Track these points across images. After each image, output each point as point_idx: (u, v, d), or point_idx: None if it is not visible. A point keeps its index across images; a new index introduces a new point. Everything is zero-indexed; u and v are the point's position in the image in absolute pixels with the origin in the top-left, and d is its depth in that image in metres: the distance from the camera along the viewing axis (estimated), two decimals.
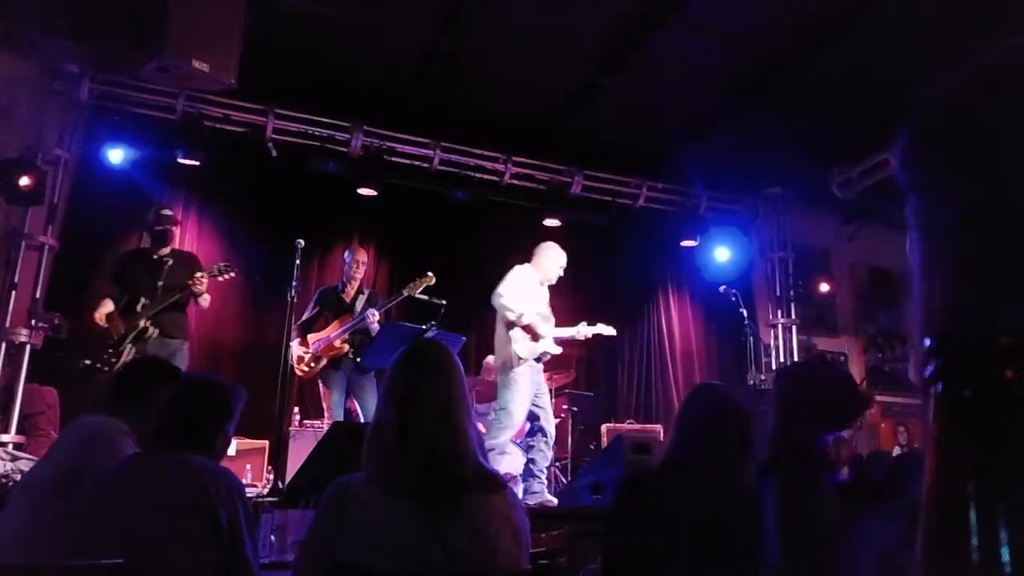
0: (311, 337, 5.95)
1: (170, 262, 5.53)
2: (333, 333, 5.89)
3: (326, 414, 5.89)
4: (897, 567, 0.56)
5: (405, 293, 5.87)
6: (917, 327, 0.61)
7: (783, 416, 0.86)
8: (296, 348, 5.80)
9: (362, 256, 6.26)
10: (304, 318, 5.96)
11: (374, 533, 1.74)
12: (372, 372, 5.96)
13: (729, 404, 2.45)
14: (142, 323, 5.31)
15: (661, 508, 2.25)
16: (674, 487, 2.29)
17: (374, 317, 5.76)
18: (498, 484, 1.89)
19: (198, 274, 5.39)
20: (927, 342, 0.46)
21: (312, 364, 5.86)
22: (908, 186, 0.64)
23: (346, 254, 6.27)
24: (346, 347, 5.86)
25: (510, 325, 5.33)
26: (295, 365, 5.79)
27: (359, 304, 6.04)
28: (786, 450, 0.82)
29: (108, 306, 5.37)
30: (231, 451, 4.83)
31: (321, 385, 5.95)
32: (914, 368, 0.65)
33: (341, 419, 5.73)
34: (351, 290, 6.11)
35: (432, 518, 1.76)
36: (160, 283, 5.41)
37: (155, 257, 5.57)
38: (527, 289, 5.46)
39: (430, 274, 5.83)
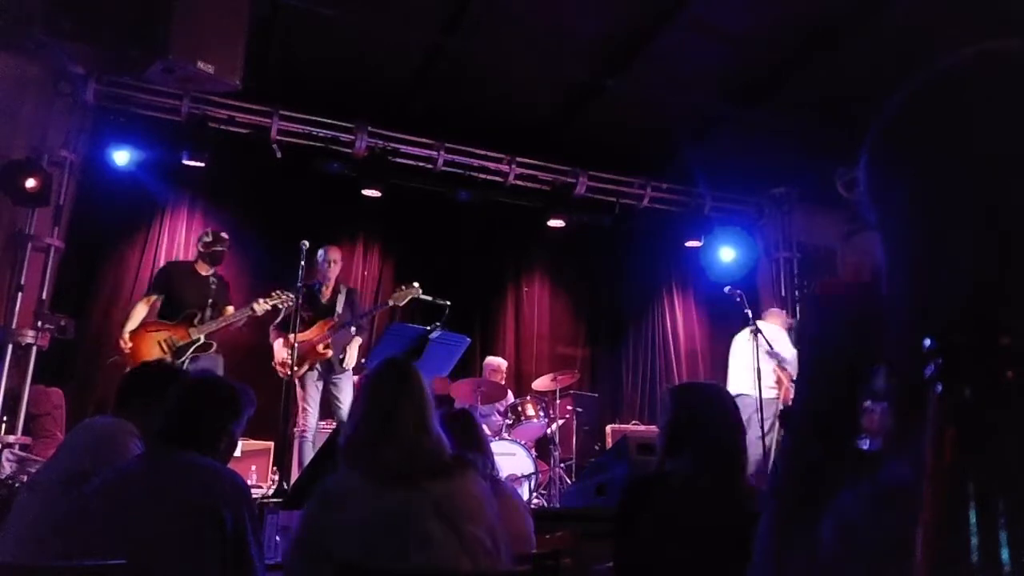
0: (279, 351, 5.75)
1: (215, 283, 5.78)
2: (316, 337, 5.72)
3: (301, 415, 5.76)
4: (859, 538, 0.55)
5: (390, 303, 5.83)
6: (902, 328, 0.61)
7: (812, 361, 0.79)
8: (280, 350, 5.66)
9: (335, 255, 6.07)
10: (281, 317, 5.80)
11: (356, 528, 1.94)
12: (349, 371, 5.91)
13: (716, 401, 2.45)
14: (202, 338, 5.57)
15: (666, 510, 2.25)
16: (673, 488, 2.29)
17: (356, 333, 5.84)
18: (465, 464, 2.16)
19: (261, 301, 5.69)
20: (927, 342, 0.46)
21: (296, 367, 5.70)
22: (884, 185, 0.65)
23: (320, 253, 5.99)
24: (329, 352, 5.70)
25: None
26: (278, 367, 5.65)
27: (339, 304, 5.93)
28: (805, 408, 0.76)
29: (141, 313, 5.60)
30: (236, 452, 4.86)
31: (298, 386, 5.82)
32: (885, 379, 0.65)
33: (317, 418, 5.70)
34: (327, 291, 5.97)
35: (409, 504, 1.97)
36: (210, 301, 5.68)
37: (202, 275, 5.79)
38: None
39: (416, 284, 5.76)
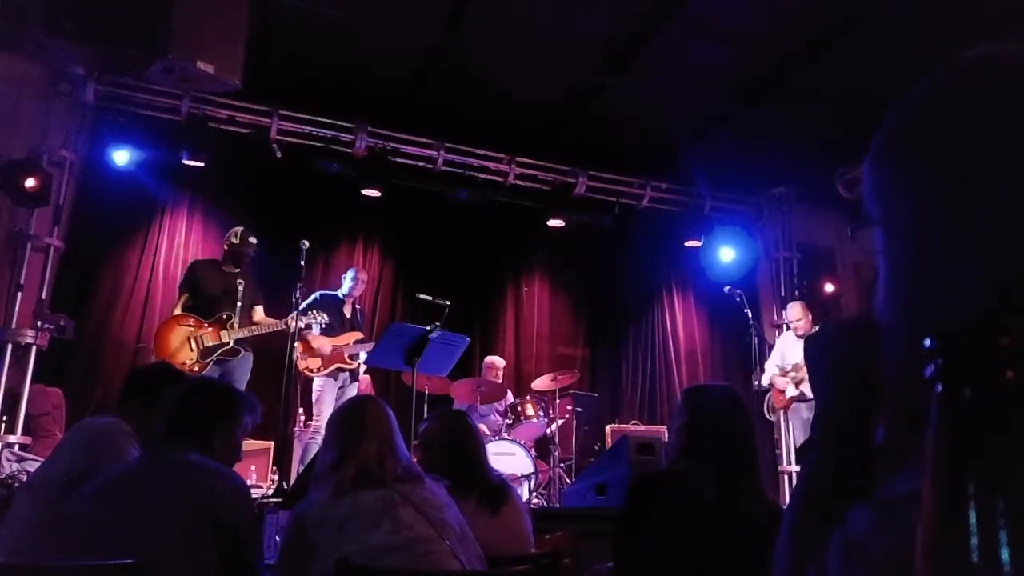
0: (318, 340, 5.89)
1: (242, 282, 5.67)
2: (346, 346, 5.91)
3: (316, 417, 5.85)
4: (860, 553, 0.55)
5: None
6: (898, 328, 0.61)
7: (830, 392, 0.82)
8: (318, 353, 5.84)
9: (364, 275, 6.40)
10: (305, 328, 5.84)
11: (336, 522, 2.06)
12: (357, 383, 6.12)
13: (734, 405, 2.44)
14: (232, 343, 5.50)
15: (673, 509, 2.24)
16: (684, 489, 2.28)
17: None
18: (418, 475, 2.28)
19: (298, 317, 5.51)
20: (927, 342, 0.46)
21: (321, 368, 5.87)
22: (887, 188, 0.65)
23: (351, 272, 6.29)
24: (354, 364, 5.94)
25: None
26: (305, 364, 5.80)
27: (357, 320, 6.20)
28: (827, 435, 0.78)
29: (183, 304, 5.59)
30: None
31: (315, 389, 5.94)
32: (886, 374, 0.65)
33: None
34: (347, 306, 6.16)
35: (382, 497, 2.10)
36: (238, 303, 5.59)
37: (226, 271, 5.71)
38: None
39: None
